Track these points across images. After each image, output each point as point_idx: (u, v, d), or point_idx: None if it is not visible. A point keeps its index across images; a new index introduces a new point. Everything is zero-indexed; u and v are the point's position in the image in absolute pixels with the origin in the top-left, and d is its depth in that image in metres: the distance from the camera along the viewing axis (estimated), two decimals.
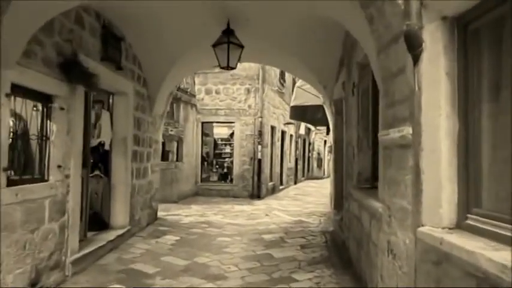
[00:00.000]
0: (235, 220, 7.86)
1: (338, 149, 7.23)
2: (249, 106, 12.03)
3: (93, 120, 5.70)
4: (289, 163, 17.54)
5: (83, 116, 4.29)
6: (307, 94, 8.68)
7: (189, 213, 8.60)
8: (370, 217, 3.43)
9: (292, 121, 17.80)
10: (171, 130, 10.30)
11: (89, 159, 5.00)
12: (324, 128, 27.66)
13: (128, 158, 5.94)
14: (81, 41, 4.26)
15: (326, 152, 29.05)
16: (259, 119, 11.83)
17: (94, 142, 5.67)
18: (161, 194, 9.97)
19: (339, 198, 7.15)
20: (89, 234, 5.21)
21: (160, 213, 8.12)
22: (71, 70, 3.75)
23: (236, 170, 11.99)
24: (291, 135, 18.04)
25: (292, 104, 8.94)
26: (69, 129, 3.96)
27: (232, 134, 12.59)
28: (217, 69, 12.06)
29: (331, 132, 8.05)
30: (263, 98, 11.97)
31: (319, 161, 26.46)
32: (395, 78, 2.68)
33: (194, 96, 11.99)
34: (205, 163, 12.71)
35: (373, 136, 4.32)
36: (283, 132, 15.81)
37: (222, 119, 12.21)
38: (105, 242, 4.93)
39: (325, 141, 28.29)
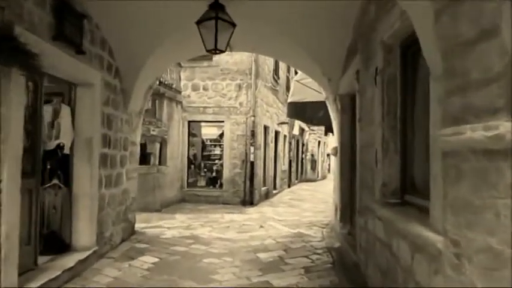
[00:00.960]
0: (225, 234, 6.90)
1: (345, 151, 6.33)
2: (240, 104, 11.08)
3: (50, 117, 4.70)
4: (283, 165, 16.64)
5: (23, 110, 3.29)
6: (306, 89, 7.77)
7: (172, 225, 7.61)
8: (413, 249, 2.52)
9: (286, 120, 16.93)
10: (153, 130, 9.29)
11: (39, 165, 3.99)
12: (318, 129, 26.86)
13: (94, 163, 4.94)
14: (22, 11, 3.27)
15: (320, 154, 28.27)
16: (252, 118, 10.89)
17: (51, 144, 4.67)
18: (142, 202, 8.97)
19: (347, 209, 6.25)
20: (43, 259, 4.21)
21: (139, 225, 7.12)
22: None
23: (226, 173, 11.02)
24: (285, 136, 17.15)
25: (289, 100, 8.02)
26: None
27: (221, 135, 11.62)
28: (206, 63, 11.14)
29: (335, 133, 7.15)
30: (256, 95, 11.03)
31: (313, 162, 25.64)
32: (472, 47, 1.76)
33: (180, 92, 11.00)
34: (192, 166, 11.72)
35: (402, 137, 3.43)
36: (276, 133, 14.90)
37: (210, 117, 11.23)
38: (59, 272, 3.92)
39: (319, 142, 27.50)
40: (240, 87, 11.10)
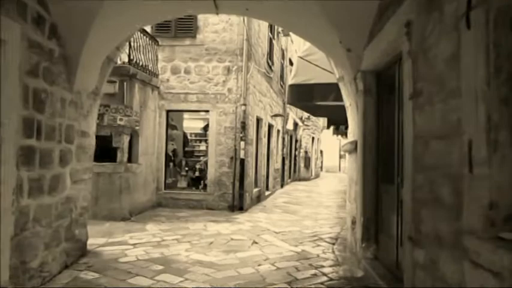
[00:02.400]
0: (207, 254, 5.32)
1: (369, 147, 4.80)
2: (229, 90, 9.48)
3: None
4: (276, 163, 15.11)
5: None
6: (313, 68, 6.23)
7: (140, 240, 6.01)
8: None
9: (280, 113, 15.40)
10: (121, 119, 7.64)
11: None
12: (312, 124, 25.42)
13: (8, 160, 3.31)
14: None
15: (314, 151, 26.84)
16: (243, 107, 9.30)
17: None
18: (105, 208, 7.35)
19: (371, 225, 4.73)
20: None
21: (95, 241, 5.53)
22: None
23: (211, 173, 9.43)
24: (278, 130, 15.61)
25: (291, 82, 6.45)
26: None
27: (206, 127, 10.00)
28: (188, 41, 9.47)
29: (351, 123, 5.62)
30: (248, 80, 9.44)
31: (307, 160, 24.19)
32: None
33: (156, 75, 9.34)
34: (171, 164, 10.07)
35: None
36: (270, 126, 13.34)
37: (193, 106, 9.60)
38: None
39: (313, 138, 26.07)
40: (228, 70, 9.49)
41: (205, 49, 9.57)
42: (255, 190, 10.63)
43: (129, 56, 7.78)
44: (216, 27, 9.56)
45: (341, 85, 5.76)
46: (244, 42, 9.39)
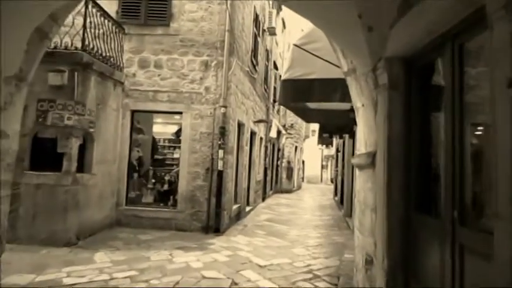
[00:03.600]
0: None
1: (396, 160, 3.53)
2: (207, 89, 8.13)
3: None
4: (258, 175, 13.79)
5: None
6: (313, 60, 4.98)
7: (80, 279, 4.54)
8: None
9: (264, 118, 14.16)
10: (69, 118, 6.18)
11: None
12: (296, 132, 24.34)
13: None
14: None
15: (296, 161, 25.69)
16: (222, 110, 7.96)
17: None
18: (45, 230, 5.87)
19: (397, 271, 3.45)
20: None
21: (17, 280, 4.05)
22: None
23: (183, 186, 8.01)
24: (261, 138, 14.34)
25: (285, 77, 5.16)
26: None
27: (178, 132, 8.59)
28: (160, 30, 8.06)
29: (365, 129, 4.36)
30: (229, 78, 8.13)
31: (289, 170, 22.99)
32: None
33: (121, 69, 7.91)
34: (136, 175, 8.59)
35: None
36: (252, 134, 12.04)
37: (163, 106, 8.19)
38: None
39: (295, 148, 24.94)
40: (207, 65, 8.15)
41: (180, 40, 8.22)
42: (235, 207, 9.26)
43: (83, 40, 6.34)
44: (194, 15, 8.24)
45: (350, 80, 4.50)
46: (226, 34, 8.09)
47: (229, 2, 8.08)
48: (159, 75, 8.19)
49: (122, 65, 7.97)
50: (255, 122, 12.06)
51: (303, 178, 32.80)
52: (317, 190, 26.91)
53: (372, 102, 4.01)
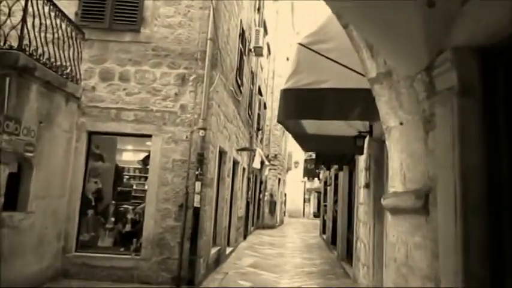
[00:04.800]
0: None
1: (472, 204, 2.18)
2: (183, 107, 6.78)
3: None
4: (240, 210, 12.29)
5: None
6: (323, 63, 3.74)
7: None
8: None
9: (248, 146, 12.84)
10: None
11: None
12: (279, 163, 23.08)
13: None
14: None
15: (279, 194, 24.27)
16: (201, 133, 6.59)
17: None
18: None
19: None
20: None
21: None
22: None
23: (150, 227, 6.46)
24: (244, 169, 12.95)
25: (286, 86, 3.86)
26: None
27: (146, 159, 7.11)
28: (128, 37, 6.44)
29: (404, 155, 3.06)
30: (210, 95, 6.83)
31: (272, 204, 21.49)
32: None
33: (76, 80, 6.50)
34: (92, 212, 6.98)
35: None
36: (235, 163, 10.66)
37: (128, 128, 6.75)
38: None
39: (279, 180, 23.60)
40: (184, 79, 6.84)
41: (152, 49, 6.92)
42: (213, 251, 7.71)
43: (20, 37, 4.94)
44: (170, 20, 7.01)
45: (379, 89, 3.22)
46: (208, 43, 6.85)
47: (212, 7, 6.90)
48: (124, 89, 6.80)
49: (78, 75, 6.56)
50: (238, 150, 10.71)
51: (284, 212, 31.26)
52: (300, 225, 25.41)
53: (421, 117, 2.69)
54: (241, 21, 9.69)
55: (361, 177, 7.01)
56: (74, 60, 6.37)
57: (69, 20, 6.25)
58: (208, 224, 7.02)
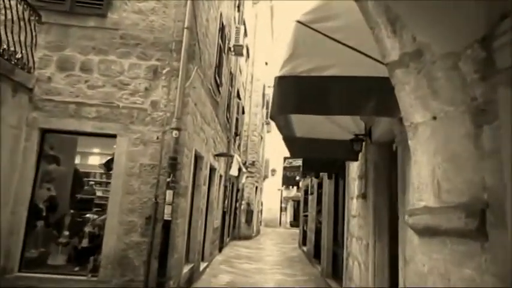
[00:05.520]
0: None
1: None
2: (154, 104, 5.93)
3: None
4: (216, 221, 11.41)
5: None
6: (327, 45, 3.02)
7: None
8: None
9: (226, 151, 12.03)
10: None
11: None
12: (256, 171, 22.36)
13: None
14: None
15: (256, 203, 23.48)
16: (175, 134, 5.74)
17: None
18: None
19: None
20: None
21: None
22: None
23: (111, 242, 5.53)
24: (221, 176, 12.10)
25: (282, 73, 3.10)
26: None
27: (109, 163, 6.18)
28: (92, 21, 5.17)
29: (435, 159, 2.36)
30: (186, 91, 6.01)
31: (249, 214, 20.67)
32: None
33: (28, 69, 5.55)
34: (42, 224, 5.97)
35: None
36: (212, 170, 9.81)
37: (90, 126, 5.82)
38: None
39: (256, 188, 22.81)
40: (156, 72, 6.00)
41: (120, 36, 6.05)
42: (186, 269, 6.81)
43: None
44: (142, 5, 6.17)
45: (402, 75, 2.49)
46: (184, 32, 6.05)
47: None
48: (86, 81, 5.89)
49: (31, 63, 5.62)
50: (215, 156, 9.89)
51: (261, 222, 30.44)
52: (277, 236, 24.66)
53: (469, 107, 1.98)
54: (221, 14, 8.94)
55: (354, 186, 6.34)
56: (26, 43, 5.43)
57: None
58: (180, 240, 6.14)
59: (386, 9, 2.18)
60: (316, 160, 6.92)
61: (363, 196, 5.55)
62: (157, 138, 5.78)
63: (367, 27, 2.38)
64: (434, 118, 2.16)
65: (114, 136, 5.81)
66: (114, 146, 5.97)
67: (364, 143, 5.34)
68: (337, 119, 5.35)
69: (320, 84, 3.10)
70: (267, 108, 27.65)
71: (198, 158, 7.58)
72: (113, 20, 6.10)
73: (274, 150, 30.80)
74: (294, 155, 7.23)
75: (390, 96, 2.62)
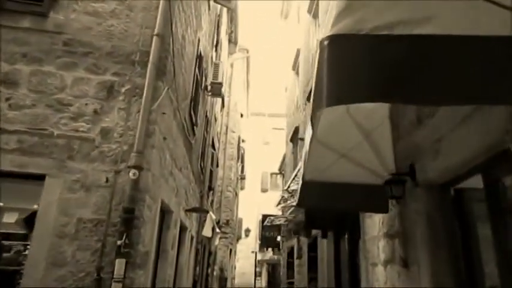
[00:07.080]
0: None
1: None
2: (106, 132, 4.23)
3: None
4: None
5: None
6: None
7: None
8: None
9: (197, 206, 10.17)
10: None
11: None
12: (230, 232, 20.29)
13: None
14: None
15: (230, 267, 21.05)
16: (132, 174, 4.01)
17: None
18: None
19: None
20: None
21: None
22: None
23: None
24: (192, 237, 10.12)
25: (334, 32, 1.62)
26: None
27: (31, 218, 4.29)
28: (27, 21, 3.44)
29: None
30: (152, 117, 4.39)
31: (222, 282, 18.21)
32: None
33: None
34: None
35: None
36: (182, 229, 7.89)
37: (8, 162, 4.01)
38: None
39: (230, 251, 20.54)
40: (110, 90, 4.37)
41: (63, 42, 4.47)
42: None
43: None
44: (99, 6, 4.70)
45: None
46: (154, 40, 4.55)
47: None
48: (8, 99, 4.17)
49: None
50: (187, 211, 8.04)
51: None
52: None
53: None
54: (199, 40, 7.62)
55: (379, 248, 4.72)
56: None
57: None
58: None
59: None
60: (322, 212, 5.28)
61: (403, 263, 3.92)
62: (107, 180, 4.01)
63: None
64: None
65: (42, 177, 3.99)
66: (38, 183, 4.14)
67: (405, 186, 3.83)
68: (361, 155, 3.90)
69: (414, 50, 1.59)
70: (242, 162, 26.14)
71: (165, 212, 5.76)
72: (56, 21, 4.55)
73: (248, 207, 28.88)
74: (300, 203, 5.58)
75: None
